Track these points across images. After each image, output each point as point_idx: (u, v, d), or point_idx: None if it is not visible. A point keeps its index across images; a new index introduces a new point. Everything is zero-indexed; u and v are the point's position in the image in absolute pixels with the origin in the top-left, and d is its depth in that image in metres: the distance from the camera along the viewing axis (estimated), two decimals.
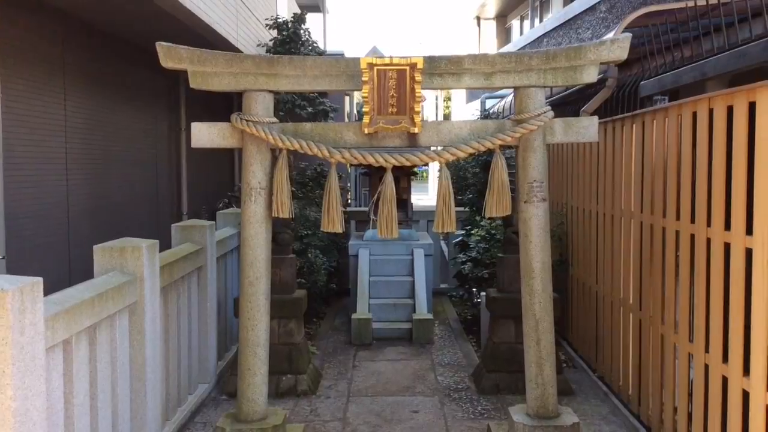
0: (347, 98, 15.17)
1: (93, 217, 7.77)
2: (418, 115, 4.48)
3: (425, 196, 31.04)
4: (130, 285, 3.99)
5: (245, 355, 4.58)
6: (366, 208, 10.29)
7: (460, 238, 9.02)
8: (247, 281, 4.57)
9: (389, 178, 4.55)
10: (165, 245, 5.24)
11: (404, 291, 8.52)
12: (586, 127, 4.56)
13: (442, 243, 11.20)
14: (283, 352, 6.13)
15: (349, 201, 14.89)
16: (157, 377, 4.46)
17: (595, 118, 4.61)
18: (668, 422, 4.66)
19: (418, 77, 4.37)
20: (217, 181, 11.74)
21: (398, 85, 4.44)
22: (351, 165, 6.18)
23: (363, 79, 4.36)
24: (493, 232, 7.89)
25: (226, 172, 12.45)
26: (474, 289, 8.01)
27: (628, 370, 5.51)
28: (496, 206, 4.51)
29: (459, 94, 27.32)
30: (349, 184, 14.15)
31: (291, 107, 7.44)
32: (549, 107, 4.50)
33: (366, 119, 4.49)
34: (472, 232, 8.35)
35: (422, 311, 8.17)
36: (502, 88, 4.70)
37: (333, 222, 4.53)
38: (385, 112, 4.50)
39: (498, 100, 16.25)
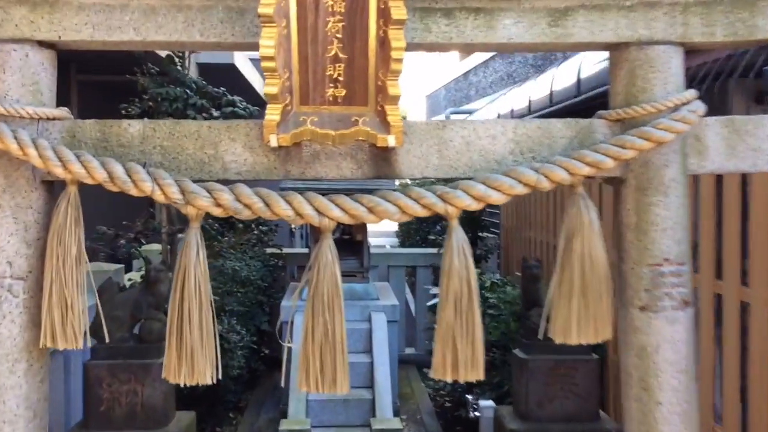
0: None
1: None
2: (395, 104, 1.90)
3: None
4: None
5: None
6: (308, 249, 7.63)
7: (437, 298, 6.39)
8: None
9: (325, 248, 1.94)
10: None
11: (359, 378, 5.83)
12: None
13: (406, 290, 8.60)
14: None
15: (293, 230, 12.14)
16: None
17: None
18: None
19: (398, 12, 1.79)
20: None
21: (349, 31, 1.86)
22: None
23: (263, 11, 1.75)
24: (490, 297, 5.32)
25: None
26: (468, 396, 5.28)
27: None
28: (578, 323, 1.94)
29: (416, 105, 24.75)
30: None
31: (182, 107, 4.83)
32: (694, 91, 1.98)
33: (273, 114, 1.89)
34: None
35: (385, 411, 5.51)
36: (580, 48, 2.14)
37: (190, 369, 1.88)
38: (319, 97, 1.93)
39: (466, 115, 13.84)
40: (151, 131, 1.96)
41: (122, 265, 5.31)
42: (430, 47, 2.02)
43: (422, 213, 1.93)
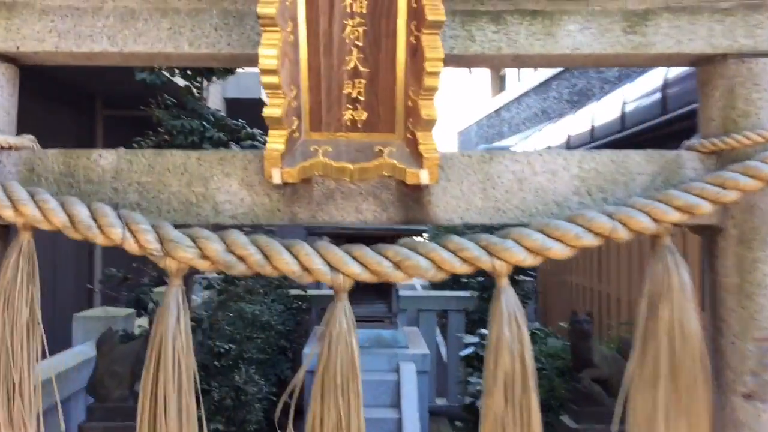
0: None
1: None
2: (429, 130, 1.49)
3: None
4: None
5: None
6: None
7: (472, 348, 5.85)
8: None
9: (339, 314, 1.52)
10: None
11: None
12: None
13: (437, 334, 8.11)
14: None
15: None
16: None
17: None
18: None
19: (434, 12, 1.39)
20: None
21: (372, 38, 1.48)
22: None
23: (262, 11, 1.37)
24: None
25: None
26: None
27: None
28: (666, 415, 1.48)
29: (446, 142, 24.40)
30: None
31: (198, 140, 4.51)
32: None
33: (276, 143, 1.50)
34: None
35: None
36: (661, 61, 1.71)
37: None
38: (334, 121, 1.54)
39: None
40: (127, 164, 1.58)
41: (132, 310, 4.94)
42: (474, 60, 1.62)
43: (463, 269, 1.51)
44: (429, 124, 1.49)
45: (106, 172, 1.58)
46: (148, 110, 4.73)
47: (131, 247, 1.47)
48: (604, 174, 1.58)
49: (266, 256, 1.49)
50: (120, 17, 1.57)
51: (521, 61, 1.63)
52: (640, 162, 1.59)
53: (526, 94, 14.35)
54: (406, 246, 1.51)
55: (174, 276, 1.50)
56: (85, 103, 7.74)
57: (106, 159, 1.59)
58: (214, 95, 9.59)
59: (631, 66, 1.98)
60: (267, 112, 1.48)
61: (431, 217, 1.59)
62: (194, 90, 4.92)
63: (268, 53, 1.41)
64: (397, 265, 1.50)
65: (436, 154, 1.50)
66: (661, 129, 5.64)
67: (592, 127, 7.20)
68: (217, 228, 1.55)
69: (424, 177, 1.52)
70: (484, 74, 22.78)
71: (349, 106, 1.54)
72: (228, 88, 10.59)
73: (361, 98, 1.53)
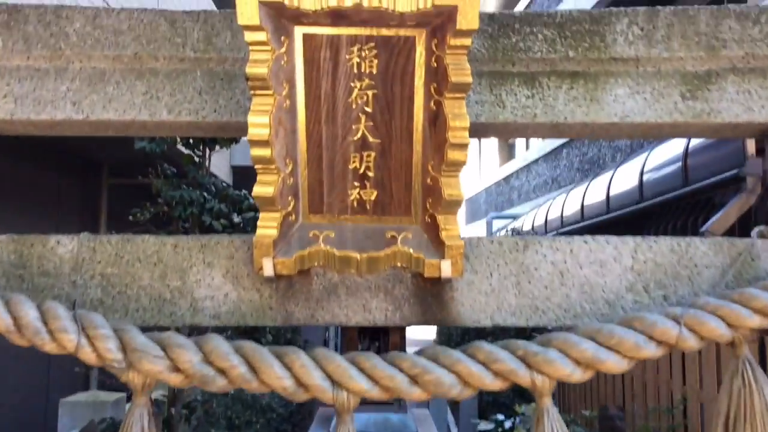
0: None
1: None
2: (453, 212, 1.23)
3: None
4: None
5: None
6: None
7: None
8: None
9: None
10: None
11: None
12: None
13: (449, 416, 7.69)
14: None
15: (327, 341, 11.35)
16: None
17: None
18: None
19: (459, 73, 1.15)
20: None
21: (384, 102, 1.23)
22: None
23: (252, 71, 1.13)
24: None
25: None
26: None
27: None
28: None
29: None
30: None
31: (198, 212, 4.25)
32: None
33: (268, 227, 1.24)
34: (512, 427, 4.89)
35: None
36: (725, 131, 1.44)
37: None
38: (338, 202, 1.29)
39: (509, 220, 13.17)
40: (90, 252, 1.32)
41: (123, 395, 4.61)
42: (504, 130, 1.37)
43: (495, 385, 1.22)
44: (452, 205, 1.23)
45: (64, 262, 1.32)
46: (147, 180, 4.52)
47: (87, 357, 1.20)
48: (663, 266, 1.31)
49: (252, 369, 1.21)
50: (87, 80, 1.33)
51: (559, 130, 1.37)
52: (706, 252, 1.31)
53: (535, 161, 14.20)
54: (425, 356, 1.23)
55: (139, 393, 1.22)
56: (91, 172, 7.61)
57: (65, 246, 1.32)
58: (221, 163, 9.45)
59: (692, 136, 1.70)
60: (257, 190, 1.22)
61: (455, 317, 1.31)
62: (196, 158, 4.72)
63: (259, 121, 1.17)
64: (413, 380, 1.22)
65: (461, 242, 1.23)
66: (683, 200, 5.39)
67: (608, 196, 6.96)
68: (196, 331, 1.27)
69: (445, 269, 1.25)
70: (492, 140, 22.77)
71: (356, 184, 1.28)
72: (236, 156, 10.46)
73: (371, 174, 1.28)
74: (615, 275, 1.30)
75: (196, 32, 1.34)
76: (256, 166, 1.22)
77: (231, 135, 1.45)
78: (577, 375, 1.21)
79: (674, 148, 5.48)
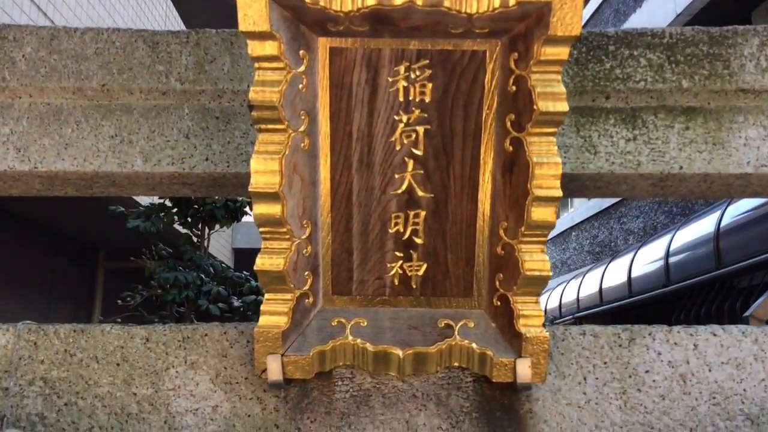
0: None
1: None
2: (534, 293, 0.88)
3: None
4: None
5: None
6: None
7: None
8: None
9: None
10: None
11: None
12: None
13: None
14: None
15: None
16: None
17: None
18: None
19: (552, 98, 0.83)
20: None
21: (440, 141, 0.90)
22: None
23: (258, 98, 0.81)
24: None
25: None
26: None
27: None
28: None
29: None
30: None
31: (194, 295, 3.89)
32: None
33: (276, 312, 0.89)
34: None
35: None
36: None
37: None
38: (372, 278, 0.94)
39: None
40: (30, 348, 0.96)
41: None
42: (595, 182, 1.03)
43: None
44: (534, 283, 0.88)
45: None
46: (140, 261, 4.18)
47: None
48: None
49: None
50: (38, 120, 1.01)
51: (666, 186, 1.03)
52: None
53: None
54: None
55: None
56: (88, 256, 7.32)
57: None
58: (222, 245, 9.14)
59: None
60: (262, 262, 0.88)
61: None
62: (194, 238, 4.39)
63: (266, 166, 0.84)
64: None
65: (545, 333, 0.88)
66: (713, 285, 5.03)
67: (629, 278, 6.60)
68: None
69: (522, 371, 0.90)
70: None
71: (399, 255, 0.94)
72: (237, 238, 10.14)
73: (419, 241, 0.93)
74: (757, 379, 0.93)
75: (185, 57, 1.02)
76: (261, 230, 0.88)
77: (228, 193, 1.12)
78: None
79: (704, 227, 5.18)
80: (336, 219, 0.94)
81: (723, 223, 4.89)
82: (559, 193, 0.84)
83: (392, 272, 0.95)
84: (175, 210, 4.23)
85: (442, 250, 0.94)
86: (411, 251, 0.94)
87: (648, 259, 6.33)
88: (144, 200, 4.98)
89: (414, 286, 0.96)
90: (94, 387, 0.95)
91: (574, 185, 1.01)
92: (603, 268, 7.82)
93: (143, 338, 0.97)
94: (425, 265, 0.95)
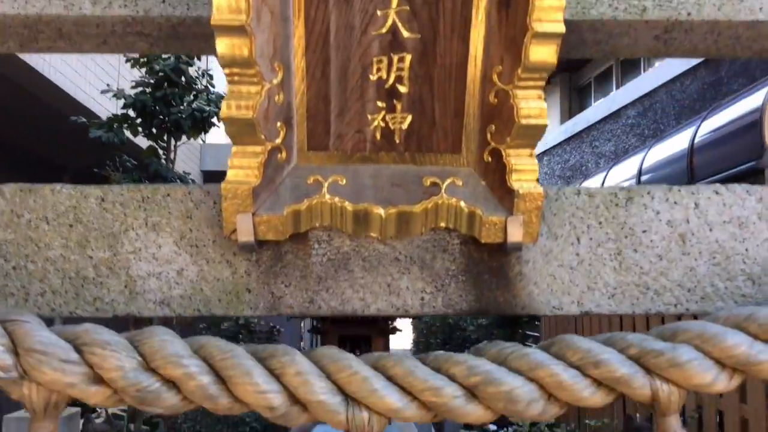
0: None
1: None
2: (529, 145, 0.81)
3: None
4: None
5: None
6: None
7: None
8: None
9: None
10: None
11: None
12: None
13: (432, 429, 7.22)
14: None
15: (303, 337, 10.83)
16: None
17: None
18: None
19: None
20: None
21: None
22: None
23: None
24: None
25: None
26: None
27: None
28: None
29: None
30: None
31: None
32: None
33: (244, 167, 0.80)
34: None
35: None
36: None
37: None
38: (351, 131, 0.85)
39: None
40: None
41: (77, 410, 4.09)
42: (591, 37, 0.94)
43: (595, 400, 0.80)
44: (529, 133, 0.80)
45: None
46: (104, 172, 4.05)
47: None
48: None
49: (220, 379, 0.76)
50: None
51: (672, 41, 0.95)
52: None
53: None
54: (489, 356, 0.80)
55: (39, 416, 0.77)
56: (54, 177, 7.15)
57: None
58: (191, 168, 8.96)
59: None
60: (227, 110, 0.79)
61: (525, 302, 0.88)
62: (160, 151, 4.26)
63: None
64: (471, 393, 0.79)
65: (539, 189, 0.81)
66: None
67: None
68: (134, 325, 0.83)
69: (513, 230, 0.83)
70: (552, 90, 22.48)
71: (381, 105, 0.85)
72: (206, 160, 9.94)
73: (403, 90, 0.85)
74: (761, 239, 0.88)
75: None
76: (226, 72, 0.78)
77: (189, 48, 1.00)
78: (721, 383, 0.79)
79: (678, 144, 5.15)
80: (311, 63, 0.84)
81: (697, 140, 4.87)
82: (561, 27, 0.75)
83: (374, 125, 0.87)
84: (139, 120, 4.08)
85: (428, 100, 0.85)
86: (394, 101, 0.85)
87: (621, 177, 6.33)
88: (105, 112, 4.78)
89: (397, 141, 0.88)
90: (45, 249, 0.86)
91: (573, 38, 0.92)
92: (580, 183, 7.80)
93: (98, 198, 0.88)
94: (410, 117, 0.86)
